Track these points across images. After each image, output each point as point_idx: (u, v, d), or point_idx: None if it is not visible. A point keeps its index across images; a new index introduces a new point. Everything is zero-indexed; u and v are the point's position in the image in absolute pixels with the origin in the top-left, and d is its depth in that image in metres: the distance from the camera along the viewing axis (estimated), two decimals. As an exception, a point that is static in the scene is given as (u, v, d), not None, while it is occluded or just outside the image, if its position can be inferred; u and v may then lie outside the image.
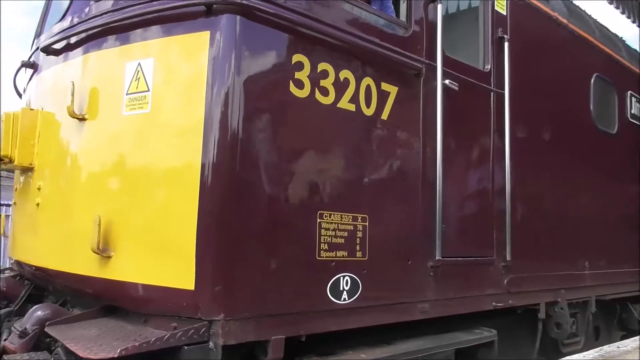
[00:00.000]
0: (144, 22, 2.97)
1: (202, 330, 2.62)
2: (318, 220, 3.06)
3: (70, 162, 3.30)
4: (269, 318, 2.85)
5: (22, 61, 4.04)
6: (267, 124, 2.88)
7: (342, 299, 3.15)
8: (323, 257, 3.07)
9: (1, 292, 4.07)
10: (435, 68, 3.79)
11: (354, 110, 3.32)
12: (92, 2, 3.31)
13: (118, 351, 2.37)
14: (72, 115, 3.17)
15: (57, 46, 3.52)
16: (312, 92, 3.09)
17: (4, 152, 3.54)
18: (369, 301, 3.33)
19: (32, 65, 4.01)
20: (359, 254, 3.28)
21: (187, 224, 2.70)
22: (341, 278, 3.16)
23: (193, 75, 2.83)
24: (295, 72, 3.01)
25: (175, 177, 2.81)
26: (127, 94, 2.99)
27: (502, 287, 4.36)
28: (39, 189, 3.55)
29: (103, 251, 2.90)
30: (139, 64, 2.97)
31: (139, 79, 2.96)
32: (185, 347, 2.56)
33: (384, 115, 3.51)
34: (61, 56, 3.51)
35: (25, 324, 3.07)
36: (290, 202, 2.96)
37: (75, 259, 3.12)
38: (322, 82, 3.15)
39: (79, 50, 3.35)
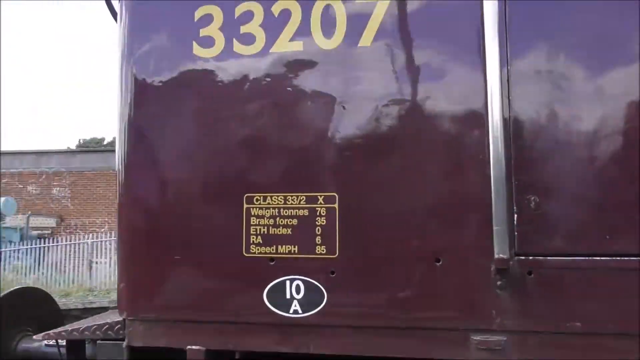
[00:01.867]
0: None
1: (117, 327, 2.53)
2: (245, 205, 2.37)
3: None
4: (183, 324, 2.43)
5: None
6: (164, 100, 2.50)
7: (290, 311, 2.29)
8: (254, 253, 2.34)
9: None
10: None
11: (300, 49, 2.38)
12: None
13: (42, 335, 2.65)
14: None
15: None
16: (228, 46, 2.45)
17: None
18: (351, 319, 2.26)
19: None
20: (320, 249, 2.29)
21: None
22: (287, 282, 2.31)
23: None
24: (201, 29, 2.48)
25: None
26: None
27: None
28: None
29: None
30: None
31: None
32: (98, 342, 2.56)
33: (365, 41, 2.32)
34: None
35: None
36: (200, 188, 2.44)
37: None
38: (244, 28, 2.44)
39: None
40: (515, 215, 2.12)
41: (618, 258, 2.05)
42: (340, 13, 2.35)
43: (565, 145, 2.12)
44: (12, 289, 3.38)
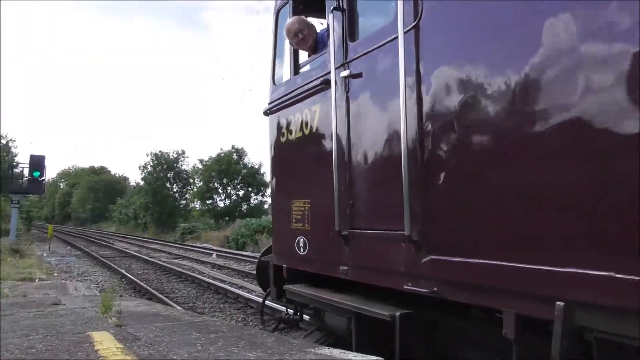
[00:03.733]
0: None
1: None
2: (291, 205, 5.47)
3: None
4: (280, 256, 5.73)
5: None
6: (280, 160, 5.88)
7: (301, 251, 5.26)
8: (293, 226, 5.42)
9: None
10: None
11: (301, 135, 5.29)
12: None
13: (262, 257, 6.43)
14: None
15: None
16: (288, 136, 5.59)
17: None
18: (313, 255, 5.03)
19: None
20: (306, 225, 5.16)
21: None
22: (300, 239, 5.27)
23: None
24: (282, 129, 5.71)
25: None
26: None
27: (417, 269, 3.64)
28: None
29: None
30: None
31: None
32: (270, 263, 6.13)
33: (314, 129, 5.03)
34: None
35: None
36: (283, 198, 5.68)
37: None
38: (290, 126, 5.53)
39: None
40: (349, 210, 4.42)
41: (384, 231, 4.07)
42: (308, 114, 5.12)
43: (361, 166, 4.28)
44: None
